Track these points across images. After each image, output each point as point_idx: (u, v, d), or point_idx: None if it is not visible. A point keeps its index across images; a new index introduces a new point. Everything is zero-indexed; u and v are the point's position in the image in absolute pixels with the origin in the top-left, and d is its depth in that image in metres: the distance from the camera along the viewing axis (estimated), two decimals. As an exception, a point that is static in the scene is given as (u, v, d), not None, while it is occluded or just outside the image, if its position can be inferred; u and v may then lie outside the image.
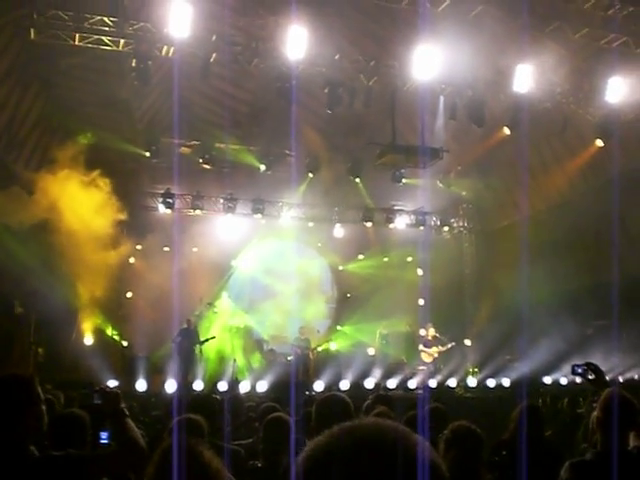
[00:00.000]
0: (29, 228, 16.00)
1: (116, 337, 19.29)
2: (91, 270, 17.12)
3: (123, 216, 17.76)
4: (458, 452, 3.88)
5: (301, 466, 1.24)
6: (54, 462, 3.37)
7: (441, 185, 21.75)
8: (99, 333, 19.11)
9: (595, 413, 4.02)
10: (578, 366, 4.80)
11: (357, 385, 15.77)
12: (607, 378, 4.81)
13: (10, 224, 15.87)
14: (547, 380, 16.74)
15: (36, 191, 16.37)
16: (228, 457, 4.12)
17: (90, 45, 14.50)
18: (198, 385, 15.07)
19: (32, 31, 14.04)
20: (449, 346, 19.11)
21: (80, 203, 16.84)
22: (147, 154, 18.97)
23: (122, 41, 14.43)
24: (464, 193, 23.72)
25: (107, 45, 14.50)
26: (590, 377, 4.71)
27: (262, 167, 20.14)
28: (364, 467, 1.16)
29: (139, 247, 19.91)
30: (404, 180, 20.07)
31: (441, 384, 16.74)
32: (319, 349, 19.71)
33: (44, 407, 3.49)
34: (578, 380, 4.99)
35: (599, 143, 17.58)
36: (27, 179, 16.81)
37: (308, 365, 18.70)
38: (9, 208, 15.87)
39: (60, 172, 16.61)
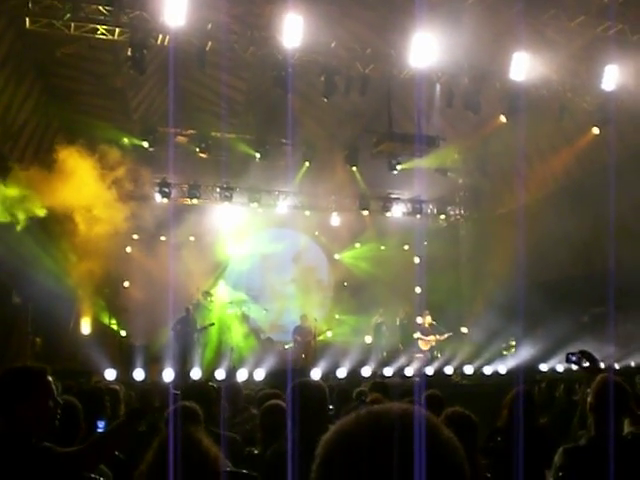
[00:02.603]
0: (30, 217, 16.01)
1: (114, 326, 19.31)
2: (91, 258, 17.15)
3: (125, 205, 17.78)
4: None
5: (324, 449, 1.24)
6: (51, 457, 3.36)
7: (437, 173, 21.74)
8: (97, 322, 19.15)
9: (588, 399, 4.05)
10: (572, 354, 4.83)
11: (354, 373, 15.80)
12: (602, 365, 4.84)
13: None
14: (543, 367, 16.77)
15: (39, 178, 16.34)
16: (225, 444, 4.14)
17: (85, 34, 14.47)
18: (196, 373, 15.09)
19: (27, 20, 13.99)
20: (446, 336, 19.16)
21: (81, 191, 16.81)
22: (143, 143, 18.94)
23: (117, 30, 14.39)
24: (460, 181, 23.75)
25: (102, 34, 14.46)
26: (585, 365, 4.74)
27: (257, 156, 20.10)
28: (388, 452, 1.16)
29: (136, 237, 19.90)
30: (400, 167, 20.00)
31: (438, 371, 16.77)
32: (319, 337, 19.72)
33: (51, 402, 3.48)
34: (574, 368, 5.02)
35: (595, 131, 17.61)
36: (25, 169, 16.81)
37: (308, 353, 18.73)
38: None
39: (61, 162, 16.58)
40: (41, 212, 16.15)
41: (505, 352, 18.89)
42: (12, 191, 15.85)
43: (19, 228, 15.71)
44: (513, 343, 19.19)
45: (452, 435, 1.26)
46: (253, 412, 7.16)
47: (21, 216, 15.83)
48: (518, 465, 4.22)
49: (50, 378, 3.52)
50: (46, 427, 3.46)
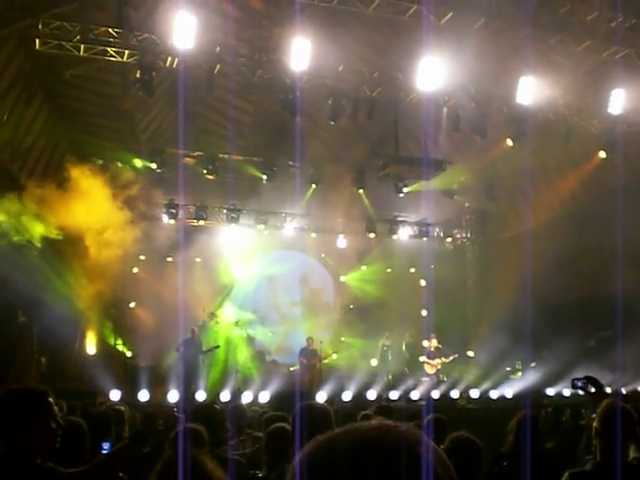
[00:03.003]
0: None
1: (119, 347, 19.29)
2: (97, 278, 17.18)
3: (132, 226, 17.81)
4: (456, 462, 3.87)
5: (300, 466, 1.19)
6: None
7: (444, 196, 21.76)
8: (102, 343, 19.13)
9: (594, 424, 4.03)
10: (578, 379, 4.81)
11: (359, 396, 15.73)
12: (609, 390, 4.83)
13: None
14: (550, 392, 16.69)
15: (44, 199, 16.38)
16: (230, 467, 4.13)
17: (95, 56, 14.58)
18: (201, 395, 15.06)
19: (37, 41, 14.12)
20: (452, 358, 19.10)
21: (88, 212, 16.85)
22: (151, 165, 19.01)
23: (127, 52, 14.49)
24: (467, 204, 23.77)
25: (112, 56, 14.57)
26: (590, 390, 4.72)
27: (265, 178, 20.14)
28: (366, 466, 1.12)
29: (143, 257, 19.92)
30: (406, 190, 20.01)
31: (444, 395, 16.70)
32: (325, 360, 19.65)
33: (54, 422, 3.49)
34: (580, 393, 5.00)
35: (602, 155, 17.61)
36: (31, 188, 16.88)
37: (313, 376, 18.65)
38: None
39: (68, 183, 16.65)
40: (48, 232, 16.20)
41: (512, 376, 18.81)
42: (21, 210, 15.91)
43: (26, 248, 15.74)
44: (519, 367, 19.10)
45: (435, 450, 1.21)
46: (257, 434, 7.13)
47: (28, 236, 15.88)
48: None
49: (52, 399, 3.53)
50: (48, 448, 3.47)
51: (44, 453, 3.44)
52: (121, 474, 4.67)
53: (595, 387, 4.71)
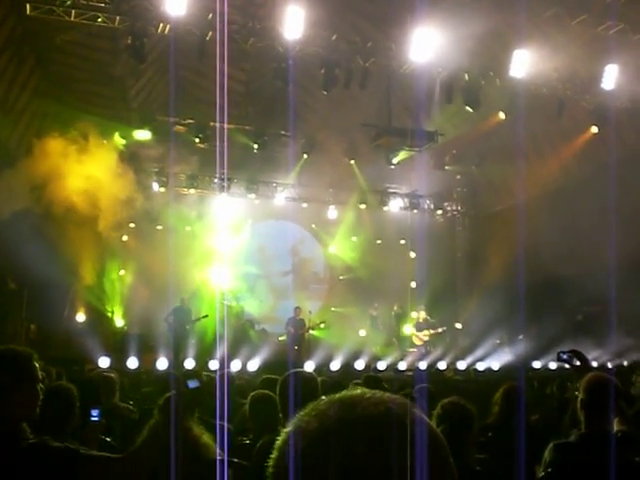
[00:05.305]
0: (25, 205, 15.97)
1: (108, 314, 19.30)
2: (87, 246, 17.16)
3: (123, 194, 17.73)
4: (447, 428, 3.88)
5: (293, 442, 1.14)
6: (49, 452, 3.35)
7: (435, 169, 21.74)
8: (91, 310, 19.14)
9: (580, 396, 4.06)
10: (563, 352, 4.86)
11: (347, 366, 15.82)
12: (594, 364, 4.87)
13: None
14: (536, 364, 16.82)
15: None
16: (217, 434, 4.16)
17: (86, 21, 14.43)
18: (189, 363, 15.10)
19: (28, 6, 13.96)
20: (440, 330, 19.22)
21: (79, 178, 16.78)
22: (142, 132, 18.87)
23: (118, 18, 14.34)
24: (458, 177, 23.75)
25: (103, 22, 14.42)
26: (576, 364, 4.77)
27: (256, 147, 20.04)
28: (361, 438, 1.07)
29: (132, 225, 19.87)
30: (395, 160, 19.93)
31: (431, 366, 16.81)
32: (312, 331, 19.71)
33: (39, 387, 3.48)
34: (567, 366, 5.05)
35: (594, 130, 17.62)
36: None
37: (301, 345, 18.73)
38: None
39: (58, 149, 16.55)
40: (38, 199, 16.15)
41: (499, 348, 18.94)
42: (15, 179, 15.84)
43: (16, 215, 15.68)
44: (507, 339, 19.23)
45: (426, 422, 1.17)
46: (243, 402, 7.17)
47: (19, 203, 15.82)
48: (508, 460, 4.23)
49: (36, 363, 3.51)
50: (33, 412, 3.46)
51: (30, 417, 3.42)
52: (109, 439, 4.69)
53: (580, 360, 4.75)
